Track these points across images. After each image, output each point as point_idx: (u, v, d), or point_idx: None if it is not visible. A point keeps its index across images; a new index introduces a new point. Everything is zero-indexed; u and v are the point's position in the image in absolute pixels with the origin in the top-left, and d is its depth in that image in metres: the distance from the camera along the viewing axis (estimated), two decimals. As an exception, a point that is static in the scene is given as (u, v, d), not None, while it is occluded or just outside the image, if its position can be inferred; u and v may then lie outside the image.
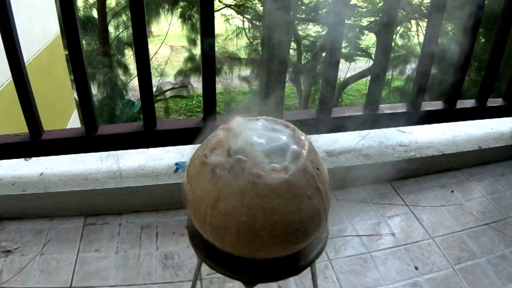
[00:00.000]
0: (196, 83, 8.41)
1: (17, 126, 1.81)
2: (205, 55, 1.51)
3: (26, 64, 1.44)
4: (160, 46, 8.82)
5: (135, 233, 1.57)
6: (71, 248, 1.49)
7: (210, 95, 1.60)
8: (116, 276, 1.39)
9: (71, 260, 1.44)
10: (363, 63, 8.79)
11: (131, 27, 1.48)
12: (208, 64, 1.54)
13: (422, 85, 1.82)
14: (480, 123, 2.13)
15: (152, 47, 8.04)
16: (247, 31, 8.49)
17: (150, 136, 1.64)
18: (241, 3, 8.39)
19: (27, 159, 1.73)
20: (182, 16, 8.12)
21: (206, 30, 1.46)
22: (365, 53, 8.44)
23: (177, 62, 9.11)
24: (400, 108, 1.89)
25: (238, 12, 8.37)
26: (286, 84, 1.68)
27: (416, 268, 1.46)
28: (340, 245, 1.55)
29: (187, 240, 0.97)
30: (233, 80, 8.49)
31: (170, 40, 9.13)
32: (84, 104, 1.54)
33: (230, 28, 8.55)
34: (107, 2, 8.28)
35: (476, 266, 1.48)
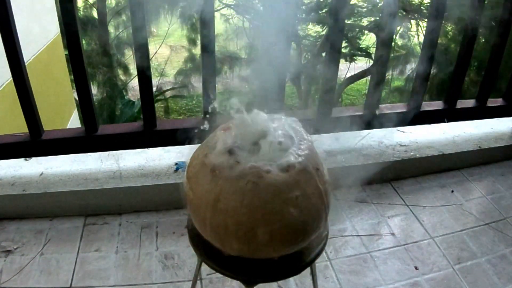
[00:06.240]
0: (196, 83, 8.41)
1: (17, 126, 1.81)
2: (203, 50, 1.51)
3: (26, 64, 1.44)
4: (160, 46, 8.82)
5: (135, 233, 1.57)
6: (71, 248, 1.49)
7: (209, 94, 1.60)
8: (116, 276, 1.39)
9: (71, 260, 1.44)
10: (363, 63, 8.78)
11: (131, 27, 1.48)
12: (207, 62, 1.54)
13: (422, 85, 1.82)
14: (480, 123, 2.13)
15: (152, 47, 8.05)
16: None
17: (150, 136, 1.64)
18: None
19: (27, 159, 1.73)
20: (182, 16, 8.12)
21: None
22: (365, 53, 8.44)
23: (177, 62, 9.11)
24: (400, 108, 1.89)
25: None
26: (286, 85, 1.68)
27: (416, 268, 1.46)
28: (340, 245, 1.55)
29: (187, 240, 0.97)
30: (233, 80, 8.48)
31: (170, 40, 9.13)
32: (84, 104, 1.54)
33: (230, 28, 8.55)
34: (107, 2, 8.28)
35: (476, 266, 1.48)
